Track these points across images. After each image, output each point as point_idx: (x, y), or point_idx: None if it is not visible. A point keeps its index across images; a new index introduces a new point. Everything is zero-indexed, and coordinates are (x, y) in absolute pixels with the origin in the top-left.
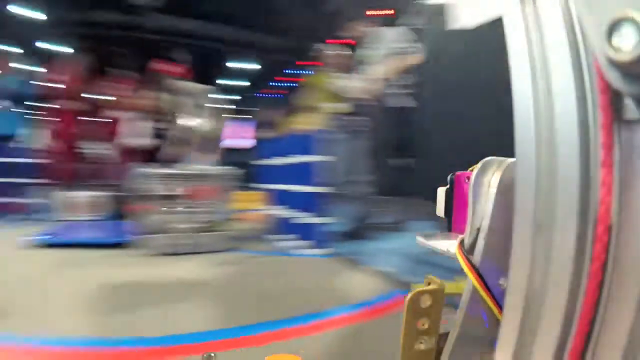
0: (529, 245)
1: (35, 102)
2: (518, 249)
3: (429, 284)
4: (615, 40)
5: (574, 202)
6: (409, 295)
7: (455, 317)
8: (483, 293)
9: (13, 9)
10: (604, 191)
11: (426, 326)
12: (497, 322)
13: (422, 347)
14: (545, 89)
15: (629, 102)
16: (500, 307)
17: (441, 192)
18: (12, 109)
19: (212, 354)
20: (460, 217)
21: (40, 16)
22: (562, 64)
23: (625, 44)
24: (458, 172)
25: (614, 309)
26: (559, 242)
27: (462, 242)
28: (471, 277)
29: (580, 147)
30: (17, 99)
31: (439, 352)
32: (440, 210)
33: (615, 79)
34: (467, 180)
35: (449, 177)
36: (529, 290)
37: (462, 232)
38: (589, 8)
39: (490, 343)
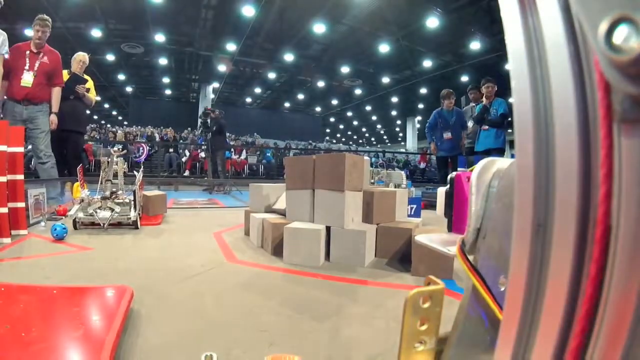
0: (528, 245)
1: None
2: (518, 248)
3: (429, 284)
4: (616, 40)
5: (574, 203)
6: (409, 295)
7: (455, 317)
8: (483, 293)
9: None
10: (604, 192)
11: (426, 326)
12: (497, 322)
13: (422, 347)
14: (544, 89)
15: (629, 103)
16: (500, 307)
17: (441, 192)
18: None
19: (213, 354)
20: (460, 217)
21: None
22: (562, 64)
23: (626, 44)
24: (458, 172)
25: (614, 309)
26: (559, 242)
27: (462, 242)
28: (471, 277)
29: (579, 147)
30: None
31: (439, 352)
32: (440, 210)
33: (616, 79)
34: (467, 181)
35: (449, 177)
36: (529, 290)
37: (462, 232)
38: (589, 8)
39: (490, 343)
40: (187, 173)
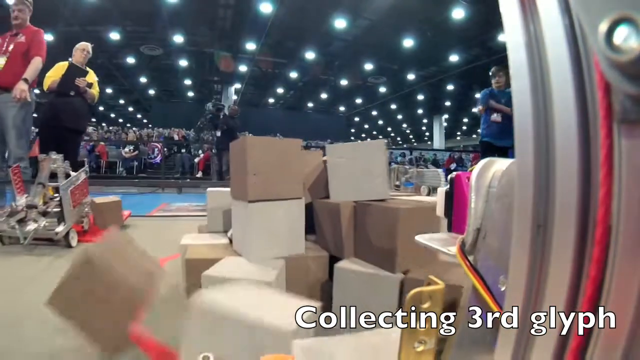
0: (528, 246)
1: None
2: (518, 249)
3: (429, 284)
4: (616, 40)
5: (574, 203)
6: (409, 295)
7: (455, 317)
8: (483, 293)
9: None
10: (604, 192)
11: (426, 326)
12: (497, 322)
13: (422, 347)
14: (544, 89)
15: (629, 103)
16: (500, 307)
17: (441, 192)
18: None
19: (209, 355)
20: (460, 217)
21: None
22: (562, 64)
23: (626, 44)
24: (458, 172)
25: (614, 309)
26: (559, 242)
27: (462, 242)
28: (471, 277)
29: (579, 147)
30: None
31: (439, 352)
32: (440, 210)
33: (616, 79)
34: (467, 181)
35: (449, 177)
36: (529, 291)
37: (462, 232)
38: (589, 8)
39: (491, 343)
40: (200, 174)
